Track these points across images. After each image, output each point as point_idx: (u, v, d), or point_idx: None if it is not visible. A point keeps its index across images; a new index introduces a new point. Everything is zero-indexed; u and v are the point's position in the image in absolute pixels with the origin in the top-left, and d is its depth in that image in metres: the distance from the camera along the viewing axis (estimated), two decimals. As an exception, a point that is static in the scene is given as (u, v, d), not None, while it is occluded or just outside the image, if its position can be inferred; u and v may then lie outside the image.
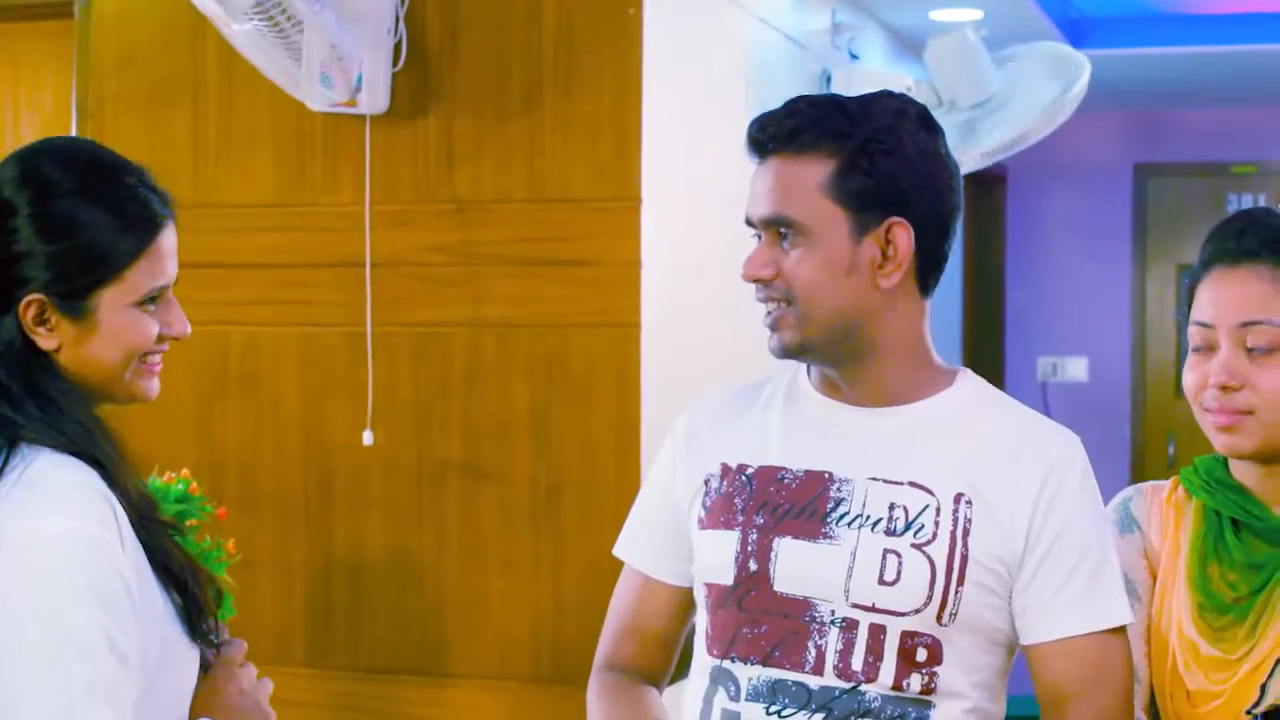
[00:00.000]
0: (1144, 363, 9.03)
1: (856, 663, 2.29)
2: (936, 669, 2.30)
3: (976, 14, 6.03)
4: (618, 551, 2.59)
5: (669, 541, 2.51)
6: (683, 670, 2.53)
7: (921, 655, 2.30)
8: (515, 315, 4.29)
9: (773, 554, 2.34)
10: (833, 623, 2.31)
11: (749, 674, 2.34)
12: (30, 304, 2.11)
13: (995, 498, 2.32)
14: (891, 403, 2.40)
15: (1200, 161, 9.01)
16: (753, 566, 2.35)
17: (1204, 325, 2.46)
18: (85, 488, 2.05)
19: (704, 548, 2.43)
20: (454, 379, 4.35)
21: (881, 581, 2.30)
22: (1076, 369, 9.14)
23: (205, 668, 2.21)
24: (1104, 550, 2.37)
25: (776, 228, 2.35)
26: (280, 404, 4.49)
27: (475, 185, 4.33)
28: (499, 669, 4.31)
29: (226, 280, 4.50)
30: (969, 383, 2.45)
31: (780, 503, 2.37)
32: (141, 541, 2.10)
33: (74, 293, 2.12)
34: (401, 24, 4.31)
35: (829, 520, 2.34)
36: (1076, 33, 7.16)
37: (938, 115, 5.50)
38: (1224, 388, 2.43)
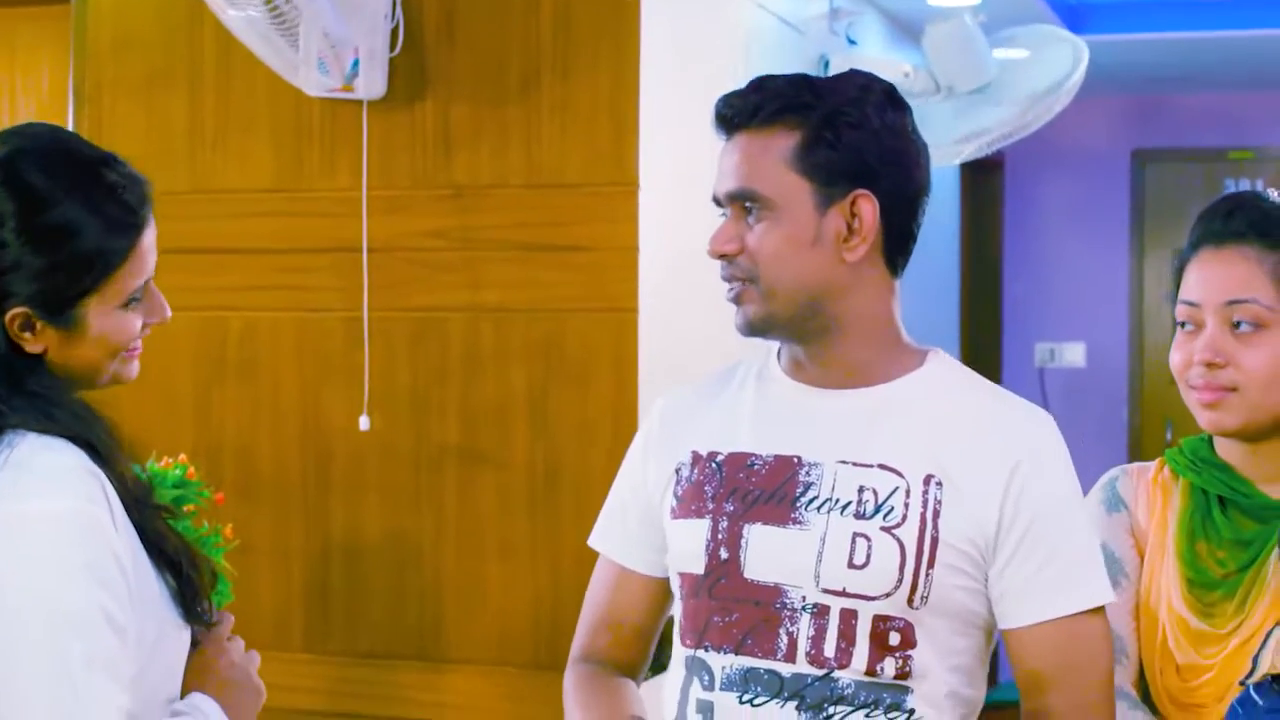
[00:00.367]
0: (1142, 348, 9.03)
1: (829, 649, 2.27)
2: (910, 653, 2.27)
3: (974, -1, 6.02)
4: (592, 542, 2.58)
5: (643, 532, 2.49)
6: (663, 662, 2.52)
7: (894, 639, 2.27)
8: (512, 300, 4.30)
9: (743, 541, 2.32)
10: (804, 609, 2.28)
11: (722, 663, 2.32)
12: (15, 316, 2.09)
13: (966, 480, 2.29)
14: (860, 384, 2.37)
15: (1198, 147, 9.00)
16: (723, 554, 2.33)
17: (1191, 304, 2.51)
18: (74, 467, 2.04)
19: (676, 537, 2.41)
20: (451, 364, 4.35)
21: (851, 565, 2.27)
22: (1074, 355, 9.14)
23: (195, 643, 2.21)
24: (1081, 530, 2.34)
25: (742, 202, 2.33)
26: (278, 389, 4.49)
27: (472, 170, 4.33)
28: (497, 654, 4.31)
29: (224, 265, 4.50)
30: (940, 363, 2.41)
31: (750, 489, 2.35)
32: (135, 524, 2.10)
33: (60, 304, 2.10)
34: (399, 9, 4.30)
35: (798, 505, 2.31)
36: (1074, 17, 7.15)
37: (935, 102, 5.50)
38: (1209, 365, 2.47)
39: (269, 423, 4.50)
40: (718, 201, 2.38)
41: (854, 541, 2.27)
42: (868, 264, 2.34)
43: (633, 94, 4.20)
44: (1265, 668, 2.40)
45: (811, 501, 2.31)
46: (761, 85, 2.35)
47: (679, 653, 2.39)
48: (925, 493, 2.29)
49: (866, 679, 2.26)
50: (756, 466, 2.35)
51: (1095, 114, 8.62)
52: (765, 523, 2.32)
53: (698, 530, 2.36)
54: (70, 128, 4.56)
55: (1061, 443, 2.36)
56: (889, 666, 2.26)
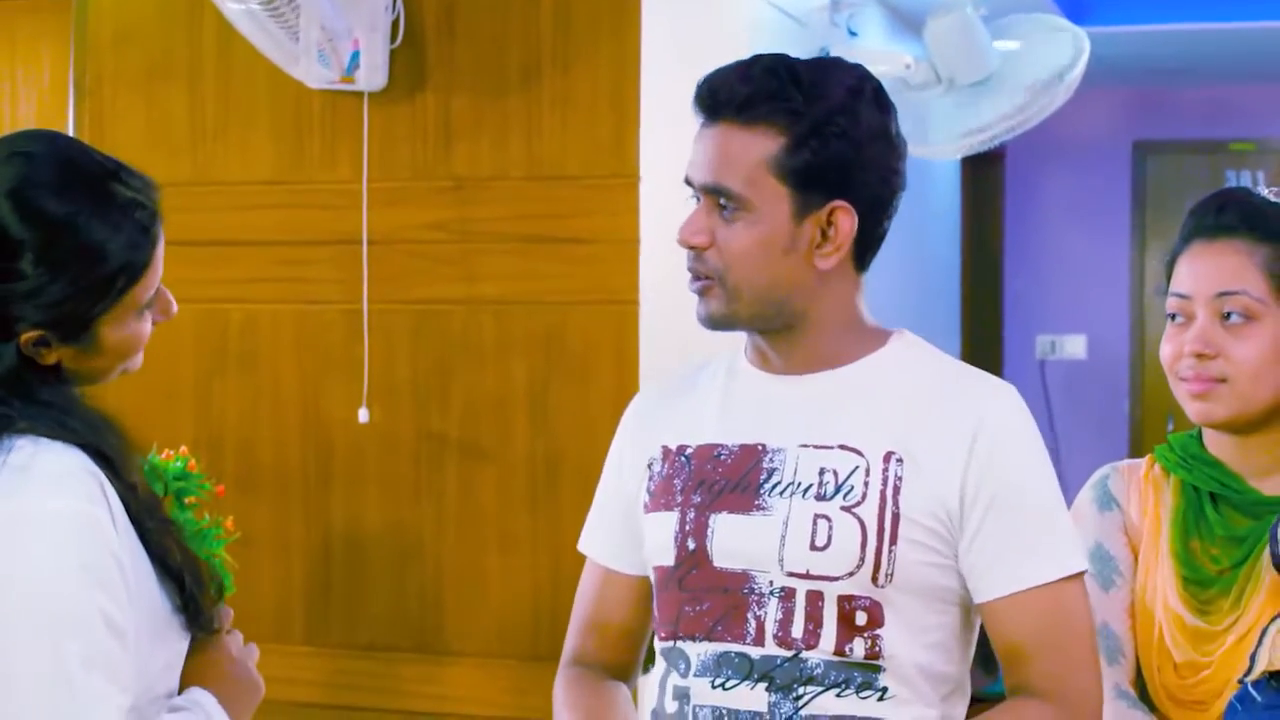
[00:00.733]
0: (1143, 340, 9.02)
1: (796, 630, 2.26)
2: (879, 632, 2.25)
3: (977, -10, 6.01)
4: (580, 546, 2.58)
5: (624, 532, 2.48)
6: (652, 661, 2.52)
7: (861, 619, 2.25)
8: (513, 293, 4.29)
9: (709, 531, 2.32)
10: (771, 593, 2.27)
11: (696, 650, 2.32)
12: (31, 338, 2.08)
13: (927, 454, 2.27)
14: (821, 368, 2.35)
15: (1199, 139, 9.00)
16: (691, 545, 2.33)
17: (1182, 296, 2.53)
18: (74, 468, 2.03)
19: (649, 531, 2.41)
20: (451, 357, 4.35)
21: (813, 547, 2.26)
22: (1075, 347, 9.14)
23: (195, 636, 2.20)
24: (1049, 499, 2.31)
25: (716, 196, 2.31)
26: (278, 381, 4.49)
27: (473, 163, 4.33)
28: (497, 647, 4.31)
29: (224, 258, 4.49)
30: (902, 342, 2.39)
31: (716, 480, 2.34)
32: (140, 534, 2.09)
33: (77, 327, 2.09)
34: (399, 1, 4.30)
35: (762, 491, 2.30)
36: (1075, 9, 7.14)
37: (936, 94, 5.49)
38: (1199, 356, 2.50)
39: (269, 415, 4.50)
40: (690, 184, 2.35)
41: (815, 523, 2.26)
42: (837, 268, 2.32)
43: (634, 86, 4.19)
44: (1263, 665, 2.41)
45: (775, 487, 2.30)
46: (749, 74, 2.30)
47: (658, 645, 2.40)
48: (885, 470, 2.27)
49: (836, 659, 2.25)
50: (723, 457, 2.35)
51: (1096, 106, 8.61)
52: (731, 511, 2.31)
53: (667, 523, 2.36)
54: (71, 120, 4.57)
55: (1024, 412, 2.33)
56: (858, 647, 2.25)
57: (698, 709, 2.30)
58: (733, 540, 2.30)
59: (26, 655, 1.95)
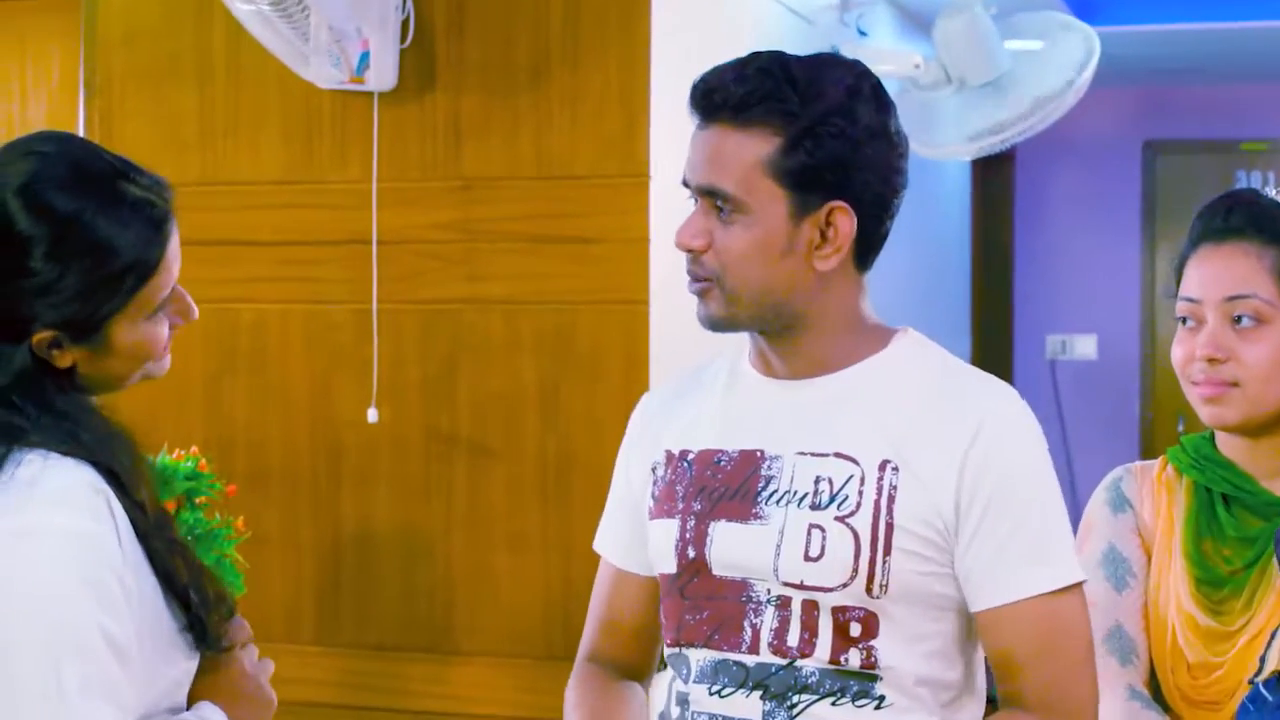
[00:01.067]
0: (1153, 340, 9.02)
1: (792, 639, 2.24)
2: (873, 643, 2.23)
3: (987, -11, 6.00)
4: (595, 545, 2.58)
5: (633, 532, 2.47)
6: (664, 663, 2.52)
7: (855, 630, 2.23)
8: (522, 292, 4.29)
9: (709, 539, 2.30)
10: (768, 602, 2.26)
11: (697, 657, 2.31)
12: (44, 339, 2.07)
13: (921, 461, 2.23)
14: (822, 372, 2.32)
15: (1210, 139, 8.99)
16: (691, 554, 2.31)
17: (1191, 300, 2.53)
18: (80, 484, 2.02)
19: (652, 538, 2.40)
20: (461, 356, 4.35)
21: (807, 558, 2.23)
22: (1085, 347, 9.13)
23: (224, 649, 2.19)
24: (1048, 507, 2.26)
25: (713, 198, 2.29)
26: (288, 381, 4.49)
27: (482, 162, 4.33)
28: (508, 646, 4.31)
29: (234, 257, 4.49)
30: (905, 343, 2.36)
31: (716, 487, 2.32)
32: (147, 552, 2.07)
33: (89, 327, 2.08)
34: (409, 1, 4.30)
35: (759, 500, 2.28)
36: (1086, 9, 7.14)
37: (946, 95, 5.48)
38: (1210, 360, 2.50)
39: (279, 414, 4.50)
40: (687, 185, 2.34)
41: (809, 533, 2.24)
42: (837, 269, 2.29)
43: (643, 85, 4.19)
44: (1273, 665, 2.42)
45: (772, 495, 2.28)
46: (743, 74, 2.27)
47: (665, 650, 2.40)
48: (880, 479, 2.23)
49: (831, 668, 2.23)
50: (723, 463, 2.34)
51: (1107, 105, 8.60)
52: (729, 519, 2.30)
53: (669, 530, 2.35)
54: (81, 120, 4.57)
55: (1026, 417, 2.29)
56: (854, 657, 2.23)
57: (696, 715, 2.30)
58: (731, 549, 2.29)
59: (25, 674, 1.94)
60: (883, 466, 2.24)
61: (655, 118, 4.19)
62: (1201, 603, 2.50)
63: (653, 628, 2.51)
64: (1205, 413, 2.52)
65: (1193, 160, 9.01)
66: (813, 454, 2.28)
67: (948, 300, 7.93)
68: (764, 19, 5.05)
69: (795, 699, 2.24)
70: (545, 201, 4.27)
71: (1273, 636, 2.43)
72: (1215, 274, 2.51)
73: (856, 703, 2.23)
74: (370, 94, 4.35)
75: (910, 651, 2.24)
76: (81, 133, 4.50)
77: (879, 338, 2.35)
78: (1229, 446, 2.56)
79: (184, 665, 2.13)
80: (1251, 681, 2.42)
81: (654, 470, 2.43)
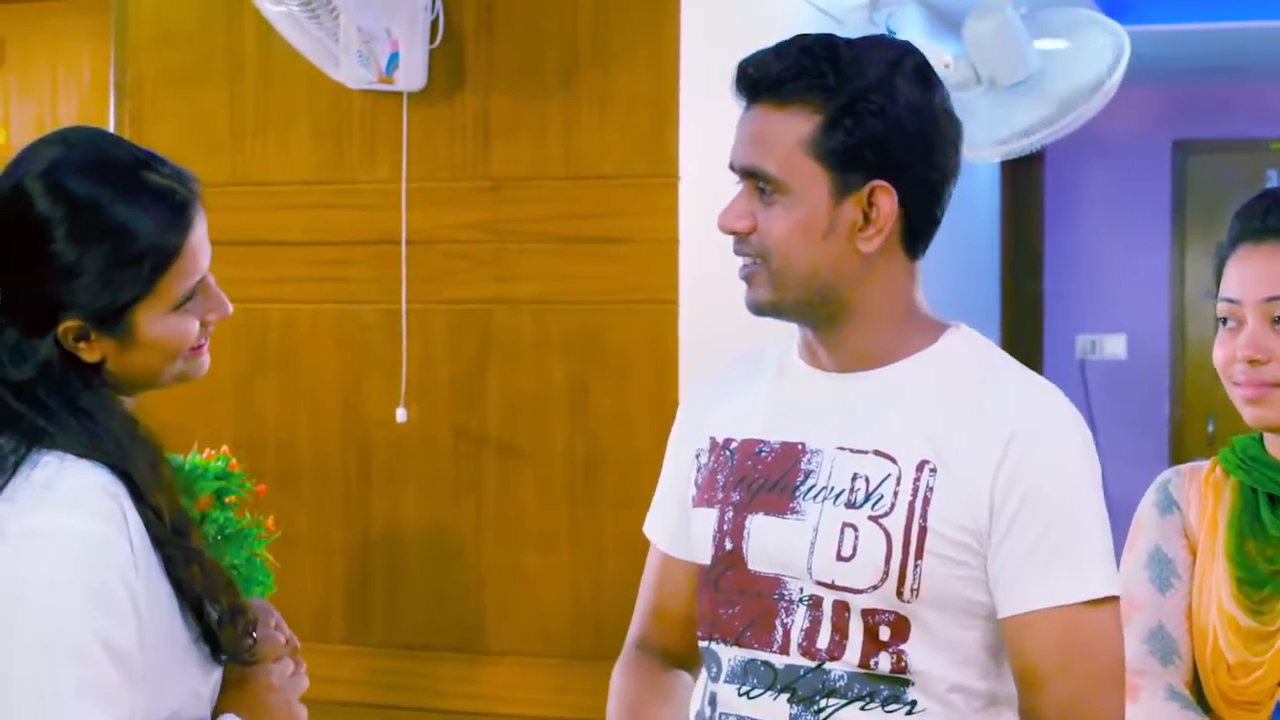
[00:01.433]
0: (1183, 340, 8.99)
1: (822, 641, 2.20)
2: (903, 647, 2.18)
3: (1017, -11, 5.98)
4: (644, 529, 2.56)
5: (680, 518, 2.42)
6: None
7: (885, 634, 2.18)
8: (551, 292, 4.29)
9: (745, 532, 2.26)
10: (800, 601, 2.21)
11: (727, 655, 2.28)
12: (69, 329, 2.07)
13: (959, 461, 2.17)
14: (868, 366, 2.27)
15: (1239, 138, 8.96)
16: (728, 545, 2.28)
17: (1231, 301, 2.52)
18: (92, 488, 2.01)
19: (693, 526, 2.37)
20: (490, 356, 4.35)
21: (839, 557, 2.18)
22: (1115, 347, 9.11)
23: (249, 663, 2.17)
24: (1083, 515, 2.18)
25: (755, 180, 2.24)
26: (318, 381, 4.50)
27: (511, 162, 4.33)
28: (538, 646, 4.31)
29: (264, 257, 4.50)
30: (955, 339, 2.30)
31: (756, 478, 2.28)
32: (162, 559, 2.06)
33: (113, 313, 2.08)
34: (438, 1, 4.31)
35: (797, 494, 2.24)
36: (1115, 8, 7.12)
37: (976, 95, 5.46)
38: (1252, 361, 2.48)
39: (308, 414, 4.51)
40: (732, 169, 2.30)
41: (843, 532, 2.19)
42: (884, 253, 2.24)
43: (672, 84, 4.19)
44: None
45: (810, 490, 2.24)
46: (782, 53, 2.22)
47: (700, 644, 2.36)
48: (917, 480, 2.18)
49: (860, 671, 2.19)
50: (764, 454, 2.30)
51: (1136, 105, 8.58)
52: (766, 513, 2.26)
53: (708, 520, 2.32)
54: (111, 120, 4.58)
55: (1068, 418, 2.22)
56: (884, 661, 2.18)
57: (724, 716, 2.28)
58: (766, 543, 2.25)
59: (21, 675, 1.93)
60: (920, 467, 2.19)
61: (684, 118, 4.19)
62: (1242, 603, 2.49)
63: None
64: (1248, 414, 2.50)
65: (1222, 160, 8.98)
66: (852, 450, 2.23)
67: (977, 300, 7.92)
68: (793, 18, 5.05)
69: (823, 703, 2.20)
70: (574, 202, 4.27)
71: None
72: (1254, 274, 2.49)
73: (886, 708, 2.19)
74: (399, 94, 4.35)
75: (942, 658, 2.19)
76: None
77: (929, 332, 2.30)
78: (1277, 447, 2.54)
79: (203, 676, 2.12)
80: (1287, 683, 2.41)
81: (698, 457, 2.39)
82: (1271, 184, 8.66)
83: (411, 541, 4.42)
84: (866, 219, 2.21)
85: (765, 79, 2.22)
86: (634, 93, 4.22)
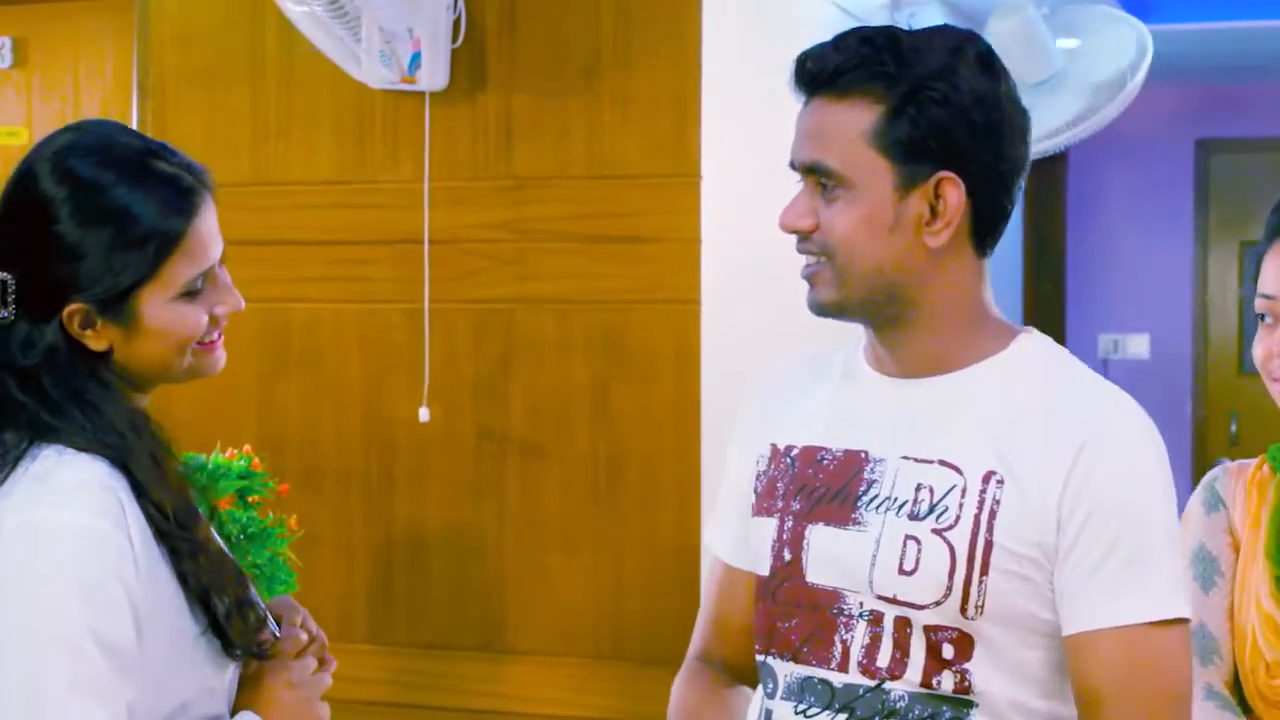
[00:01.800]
0: (1206, 340, 8.96)
1: (882, 659, 2.12)
2: (966, 666, 2.09)
3: (1039, -12, 5.97)
4: (705, 538, 2.51)
5: (742, 527, 2.33)
6: None
7: (948, 652, 2.09)
8: (574, 292, 4.29)
9: (805, 542, 2.18)
10: (860, 616, 2.13)
11: (784, 670, 2.21)
12: (74, 313, 2.07)
13: (1028, 473, 2.08)
14: (935, 371, 2.18)
15: (1263, 137, 8.93)
16: (787, 556, 2.20)
17: (1268, 297, 2.50)
18: (89, 481, 2.01)
19: (753, 535, 2.29)
20: (512, 356, 4.35)
21: (901, 571, 2.10)
22: (1138, 346, 9.08)
23: (263, 657, 2.16)
24: (1152, 532, 2.08)
25: (817, 176, 2.14)
26: (341, 380, 4.50)
27: (534, 162, 4.33)
28: (560, 645, 4.31)
29: (286, 257, 4.51)
30: (1026, 344, 2.23)
31: (816, 486, 2.20)
32: (166, 551, 2.05)
33: (117, 296, 2.07)
34: (460, 1, 4.31)
35: (860, 504, 2.15)
36: (1137, 6, 7.10)
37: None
38: None
39: (331, 414, 4.51)
40: (793, 167, 2.20)
41: (905, 545, 2.11)
42: (952, 248, 2.16)
43: (694, 83, 4.19)
44: None
45: (873, 500, 2.15)
46: (843, 44, 2.14)
47: (756, 658, 2.29)
48: (983, 492, 2.09)
49: (922, 691, 2.10)
50: (825, 462, 2.21)
51: (1159, 103, 8.54)
52: (827, 523, 2.18)
53: (767, 529, 2.24)
54: (134, 119, 4.59)
55: (1142, 430, 2.14)
56: (946, 680, 2.10)
57: None
58: (826, 555, 2.17)
59: (14, 672, 1.93)
60: (987, 478, 2.10)
61: (706, 117, 4.19)
62: (1281, 602, 2.48)
63: None
64: None
65: (1245, 159, 8.95)
66: (916, 459, 2.14)
67: (1000, 300, 7.90)
68: (815, 17, 5.04)
69: None
70: (596, 201, 4.27)
71: None
72: None
73: None
74: (422, 94, 4.36)
75: (1007, 678, 2.11)
76: (135, 133, 4.52)
77: (1000, 337, 2.23)
78: None
79: (215, 671, 2.10)
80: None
81: (758, 464, 2.31)
82: (1295, 183, 8.64)
83: (434, 541, 4.42)
84: (933, 212, 2.13)
85: (824, 71, 2.14)
86: (656, 92, 4.22)
